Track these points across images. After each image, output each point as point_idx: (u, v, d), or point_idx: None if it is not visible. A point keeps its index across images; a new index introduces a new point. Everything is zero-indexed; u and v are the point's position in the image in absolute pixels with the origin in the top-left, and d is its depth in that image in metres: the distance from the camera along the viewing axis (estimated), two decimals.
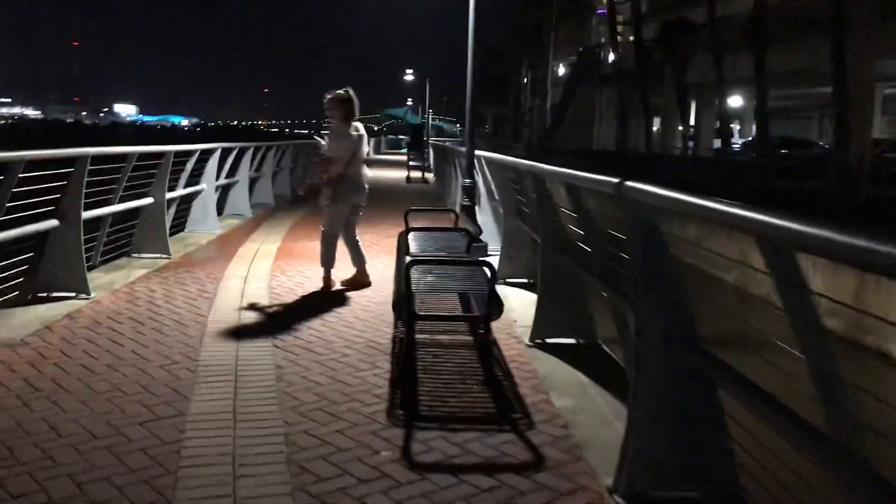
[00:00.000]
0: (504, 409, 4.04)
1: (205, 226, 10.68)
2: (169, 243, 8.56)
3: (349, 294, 6.73)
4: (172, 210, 9.67)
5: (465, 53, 9.60)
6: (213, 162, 10.80)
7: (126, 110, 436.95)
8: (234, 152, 12.17)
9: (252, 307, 6.15)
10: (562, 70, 44.38)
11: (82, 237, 6.41)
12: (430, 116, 67.35)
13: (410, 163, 26.42)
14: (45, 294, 6.26)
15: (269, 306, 6.23)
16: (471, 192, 9.35)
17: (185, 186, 9.90)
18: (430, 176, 25.80)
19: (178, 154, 8.95)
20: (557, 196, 5.05)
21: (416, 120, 63.75)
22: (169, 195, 8.92)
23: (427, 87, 37.52)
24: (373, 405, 4.00)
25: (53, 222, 6.18)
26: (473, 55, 9.52)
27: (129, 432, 3.53)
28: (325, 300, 6.50)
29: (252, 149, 13.19)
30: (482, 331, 4.89)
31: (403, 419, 3.85)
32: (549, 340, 5.19)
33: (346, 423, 3.73)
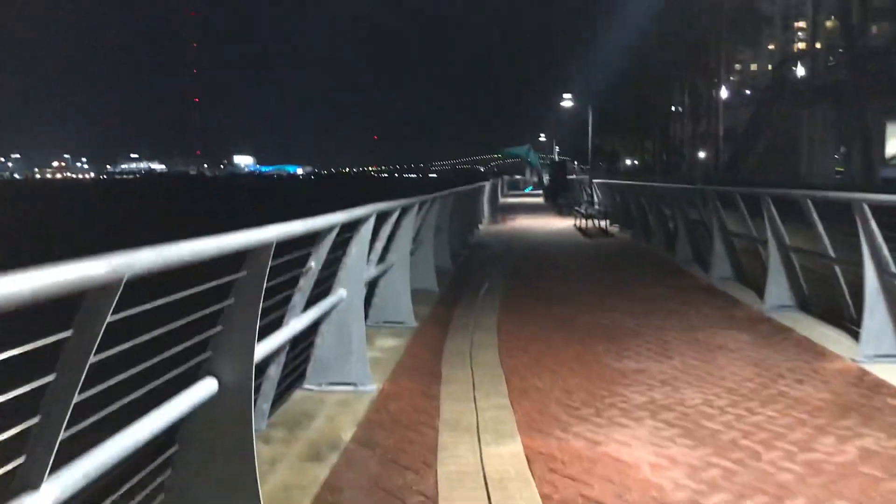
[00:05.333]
0: None
1: (341, 374, 5.13)
2: (261, 495, 2.99)
3: None
4: (277, 368, 4.16)
5: None
6: (360, 242, 5.27)
7: (244, 161, 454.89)
8: (394, 217, 6.62)
9: None
10: (725, 93, 37.88)
11: None
12: (557, 154, 61.93)
13: (579, 209, 20.68)
14: None
15: None
16: None
17: (305, 308, 4.38)
18: (605, 224, 19.76)
19: (285, 244, 3.42)
20: None
21: (536, 160, 58.34)
22: (272, 341, 3.44)
23: (590, 115, 31.61)
24: None
25: None
26: None
27: None
28: None
29: (416, 206, 7.54)
30: None
31: None
32: None
33: None
